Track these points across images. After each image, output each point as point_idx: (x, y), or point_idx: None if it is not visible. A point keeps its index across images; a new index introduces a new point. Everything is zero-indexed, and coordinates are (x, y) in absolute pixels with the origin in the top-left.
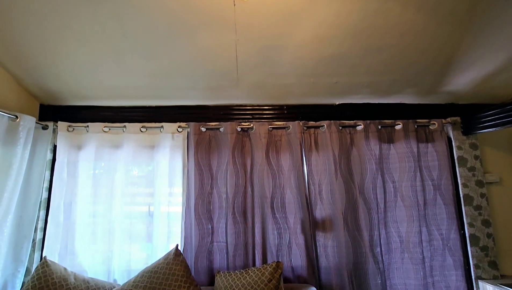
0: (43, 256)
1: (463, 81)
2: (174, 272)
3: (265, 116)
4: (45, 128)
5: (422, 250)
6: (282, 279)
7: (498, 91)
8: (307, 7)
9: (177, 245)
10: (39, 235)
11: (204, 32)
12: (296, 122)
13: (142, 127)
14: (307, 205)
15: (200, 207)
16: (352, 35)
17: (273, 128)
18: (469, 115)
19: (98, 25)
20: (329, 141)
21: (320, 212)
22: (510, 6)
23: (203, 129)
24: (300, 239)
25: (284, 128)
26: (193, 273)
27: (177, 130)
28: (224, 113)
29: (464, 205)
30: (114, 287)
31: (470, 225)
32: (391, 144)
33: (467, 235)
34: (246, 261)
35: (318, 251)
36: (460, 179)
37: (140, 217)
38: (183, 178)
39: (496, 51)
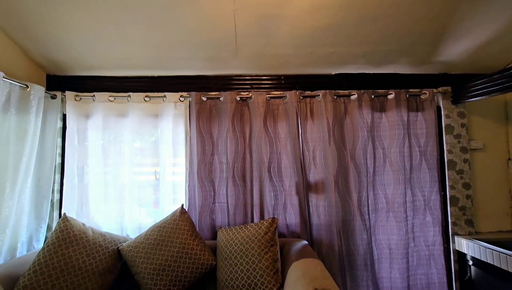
0: (62, 213)
1: (457, 51)
2: (180, 227)
3: (263, 86)
4: (53, 97)
5: (406, 209)
6: (277, 233)
7: (490, 61)
8: None
9: (182, 205)
10: (56, 196)
11: (204, 0)
12: (293, 91)
13: (145, 96)
14: (302, 169)
15: (203, 172)
16: (347, 4)
17: (271, 97)
18: (460, 85)
19: None
20: (324, 110)
21: (313, 175)
22: None
23: (204, 99)
24: (295, 200)
25: (281, 97)
26: (197, 230)
27: (179, 99)
28: (224, 83)
29: (448, 170)
30: (127, 240)
31: (452, 187)
32: (383, 113)
33: (448, 196)
34: (245, 219)
35: (311, 210)
36: (446, 146)
37: (148, 185)
38: (185, 145)
39: (490, 20)
